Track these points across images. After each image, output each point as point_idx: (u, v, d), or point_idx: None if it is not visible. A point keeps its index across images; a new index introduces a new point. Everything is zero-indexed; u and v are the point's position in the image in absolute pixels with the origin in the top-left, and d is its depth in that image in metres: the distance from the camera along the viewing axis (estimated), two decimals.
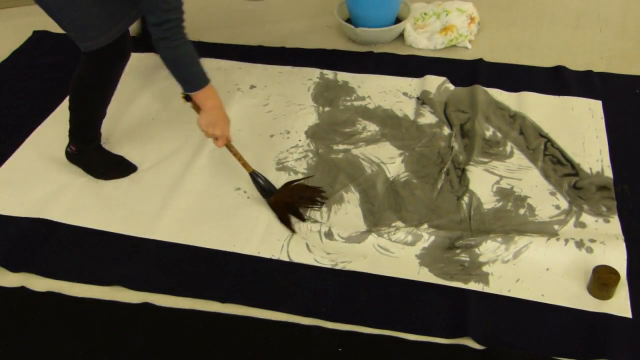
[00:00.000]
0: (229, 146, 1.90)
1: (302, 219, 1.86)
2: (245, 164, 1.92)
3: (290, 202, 1.88)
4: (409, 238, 1.78)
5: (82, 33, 1.73)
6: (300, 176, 2.01)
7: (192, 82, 1.75)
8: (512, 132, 2.16)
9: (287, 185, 1.95)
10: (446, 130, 2.18)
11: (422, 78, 2.43)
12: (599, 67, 2.48)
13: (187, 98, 1.81)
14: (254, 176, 1.92)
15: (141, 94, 2.44)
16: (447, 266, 1.72)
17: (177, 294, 1.69)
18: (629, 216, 1.83)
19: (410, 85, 2.42)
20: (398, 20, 2.76)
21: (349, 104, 2.34)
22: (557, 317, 1.59)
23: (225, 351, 1.54)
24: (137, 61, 2.61)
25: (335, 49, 2.67)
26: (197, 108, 1.82)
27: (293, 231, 1.83)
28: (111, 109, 2.34)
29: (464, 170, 2.01)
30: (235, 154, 1.91)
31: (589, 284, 1.64)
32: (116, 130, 2.25)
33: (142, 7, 1.66)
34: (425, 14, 2.76)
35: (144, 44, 2.45)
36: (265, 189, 1.91)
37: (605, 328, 1.56)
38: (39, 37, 2.81)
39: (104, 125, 2.26)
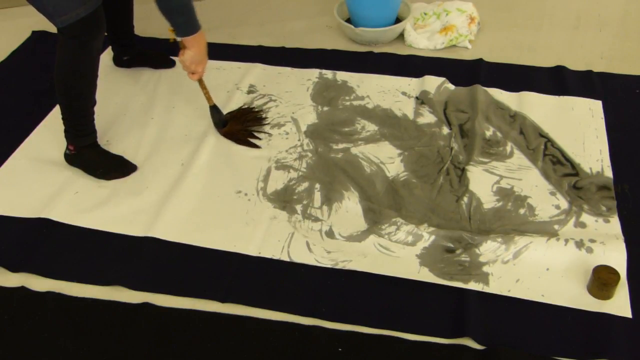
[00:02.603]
0: (200, 80, 2.15)
1: (255, 146, 2.16)
2: (209, 98, 2.19)
3: (239, 129, 2.21)
4: (410, 238, 1.78)
5: (62, 5, 1.75)
6: (300, 173, 2.02)
7: (185, 29, 1.94)
8: (512, 132, 2.16)
9: (233, 114, 2.28)
10: (445, 130, 2.18)
11: (421, 78, 2.43)
12: (599, 67, 2.48)
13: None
14: (213, 108, 2.20)
15: (141, 94, 2.44)
16: (447, 266, 1.72)
17: (177, 294, 1.69)
18: (629, 216, 1.84)
19: (409, 85, 2.42)
20: (398, 20, 2.76)
21: (348, 103, 2.34)
22: (557, 317, 1.59)
23: (225, 351, 1.54)
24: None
25: (335, 49, 2.67)
26: (182, 45, 2.01)
27: (256, 146, 2.15)
28: (111, 109, 2.36)
29: (463, 170, 2.01)
30: (204, 87, 2.17)
31: (589, 284, 1.64)
32: (116, 131, 2.25)
33: None
34: (425, 14, 2.76)
35: (118, 62, 2.57)
36: (219, 121, 2.21)
37: (605, 328, 1.56)
38: (37, 38, 2.81)
39: (105, 126, 2.27)
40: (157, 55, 2.60)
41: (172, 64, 2.57)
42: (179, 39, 1.98)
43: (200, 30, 1.97)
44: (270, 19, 2.94)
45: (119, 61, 2.57)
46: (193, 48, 1.99)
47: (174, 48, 2.64)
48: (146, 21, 2.91)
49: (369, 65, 2.55)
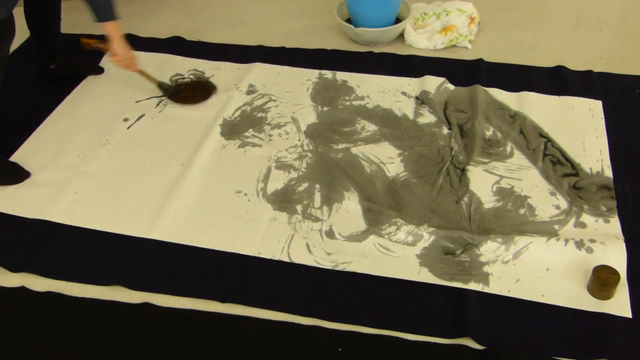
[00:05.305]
0: (140, 70, 2.29)
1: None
2: (151, 79, 2.35)
3: (190, 94, 2.39)
4: (410, 238, 1.78)
5: None
6: (300, 173, 2.02)
7: (107, 12, 2.00)
8: (512, 132, 2.16)
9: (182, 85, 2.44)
10: (445, 130, 2.18)
11: (421, 78, 2.43)
12: (599, 67, 2.48)
13: (90, 38, 2.22)
14: (160, 85, 2.37)
15: (140, 94, 2.44)
16: (447, 266, 1.72)
17: (177, 294, 1.69)
18: (629, 216, 1.84)
19: (409, 85, 2.42)
20: (398, 20, 2.76)
21: (347, 103, 2.34)
22: (557, 317, 1.59)
23: (225, 351, 1.54)
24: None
25: (335, 49, 2.67)
26: (99, 45, 2.18)
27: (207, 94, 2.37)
28: (111, 110, 2.36)
29: (464, 170, 2.01)
30: (145, 74, 2.33)
31: (589, 284, 1.64)
32: (116, 132, 2.25)
33: None
34: (425, 14, 2.76)
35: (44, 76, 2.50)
36: (170, 92, 2.38)
37: (605, 328, 1.56)
38: None
39: (105, 126, 2.27)
40: (84, 63, 2.55)
41: (100, 71, 2.55)
42: (97, 44, 2.15)
43: (119, 20, 2.05)
44: (270, 19, 2.94)
45: (45, 72, 2.48)
46: (116, 37, 2.05)
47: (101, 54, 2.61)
48: (146, 21, 2.92)
49: (369, 65, 2.55)
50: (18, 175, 2.04)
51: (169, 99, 2.37)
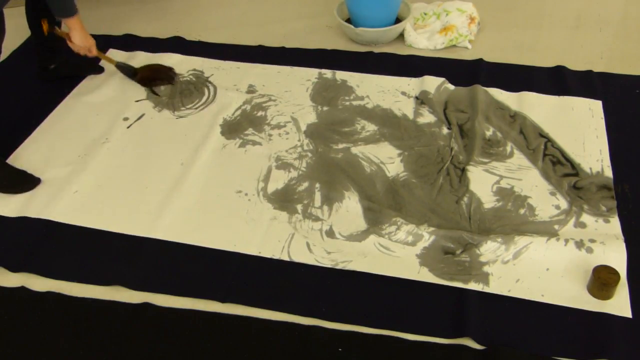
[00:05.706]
0: (99, 53, 2.38)
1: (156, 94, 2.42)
2: (109, 60, 2.47)
3: (151, 76, 2.47)
4: (410, 238, 1.78)
5: None
6: (300, 173, 2.02)
7: (66, 9, 2.14)
8: (512, 132, 2.16)
9: (147, 66, 2.52)
10: (445, 130, 2.18)
11: (420, 78, 2.43)
12: (599, 67, 2.48)
13: (51, 26, 2.29)
14: (119, 66, 2.48)
15: (140, 94, 2.44)
16: (447, 266, 1.72)
17: (177, 294, 1.69)
18: (629, 216, 1.84)
19: (409, 85, 2.42)
20: (398, 20, 2.76)
21: (347, 103, 2.34)
22: (557, 317, 1.59)
23: (225, 351, 1.54)
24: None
25: (335, 49, 2.67)
26: (63, 34, 2.29)
27: (158, 95, 2.42)
28: (111, 110, 2.36)
29: (464, 170, 2.01)
30: (102, 55, 2.45)
31: (589, 284, 1.64)
32: (116, 131, 2.25)
33: None
34: (425, 14, 2.76)
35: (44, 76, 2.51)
36: (130, 72, 2.48)
37: (605, 328, 1.56)
38: None
39: (105, 126, 2.27)
40: (84, 62, 2.53)
41: (100, 71, 2.55)
42: (58, 30, 2.26)
43: (78, 14, 2.18)
44: (270, 19, 2.94)
45: (45, 72, 2.48)
46: (76, 28, 2.21)
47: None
48: (146, 21, 2.92)
49: (369, 65, 2.55)
50: (28, 183, 2.03)
51: (131, 79, 2.48)
